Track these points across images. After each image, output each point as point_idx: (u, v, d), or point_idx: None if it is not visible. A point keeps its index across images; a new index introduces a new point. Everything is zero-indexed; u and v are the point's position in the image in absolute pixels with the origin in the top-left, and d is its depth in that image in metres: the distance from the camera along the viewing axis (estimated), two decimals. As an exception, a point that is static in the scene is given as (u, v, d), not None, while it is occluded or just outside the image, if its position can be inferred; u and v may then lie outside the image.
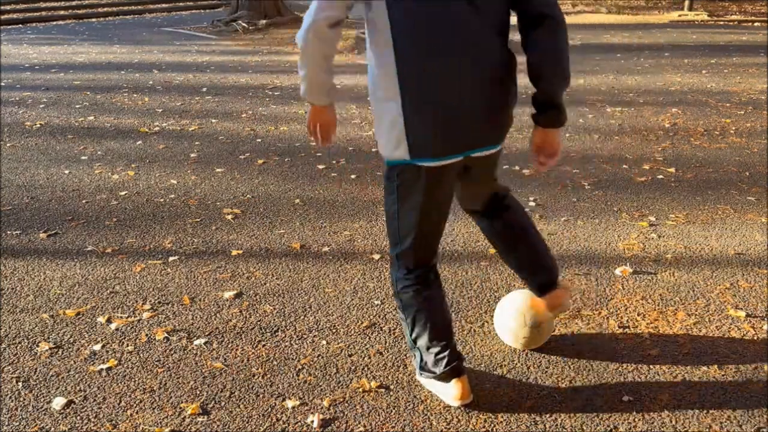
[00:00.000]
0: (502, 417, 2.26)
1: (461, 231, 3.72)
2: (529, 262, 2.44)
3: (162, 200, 4.18)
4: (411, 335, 2.31)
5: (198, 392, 2.40)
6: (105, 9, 15.83)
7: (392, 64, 1.97)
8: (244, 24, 12.38)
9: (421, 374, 2.36)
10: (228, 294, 3.06)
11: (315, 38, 1.95)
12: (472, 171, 2.22)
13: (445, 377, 2.27)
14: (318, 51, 1.97)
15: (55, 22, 14.19)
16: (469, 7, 1.95)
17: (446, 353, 2.25)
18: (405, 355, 2.60)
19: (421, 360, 2.32)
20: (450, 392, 2.27)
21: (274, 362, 2.57)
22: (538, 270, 2.42)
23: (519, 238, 2.44)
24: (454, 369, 2.25)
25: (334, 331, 2.78)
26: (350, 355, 2.61)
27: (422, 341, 2.28)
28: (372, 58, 2.04)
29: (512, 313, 2.54)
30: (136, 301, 3.00)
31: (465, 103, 2.02)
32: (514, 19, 2.10)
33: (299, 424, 2.24)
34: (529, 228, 2.46)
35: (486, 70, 2.07)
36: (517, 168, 4.75)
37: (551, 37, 2.08)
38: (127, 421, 2.25)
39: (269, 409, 2.31)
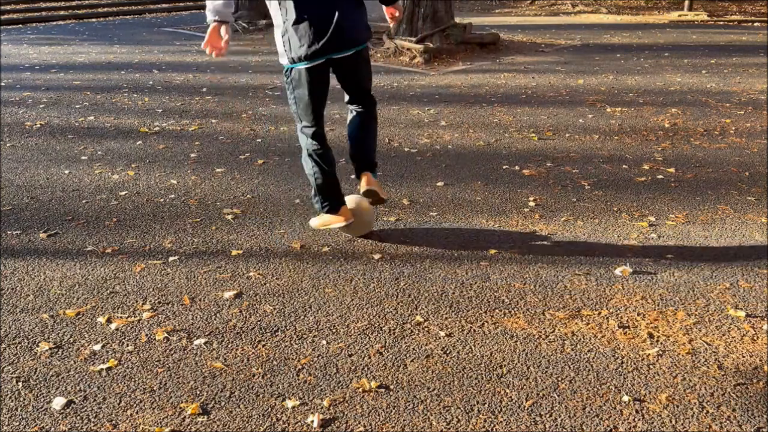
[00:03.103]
0: (502, 417, 2.27)
1: (461, 231, 3.72)
2: (357, 150, 3.49)
3: (162, 200, 4.18)
4: (319, 181, 3.36)
5: (198, 392, 2.40)
6: (105, 9, 15.83)
7: (281, 15, 3.11)
8: (244, 24, 12.38)
9: (321, 211, 3.47)
10: (228, 294, 3.06)
11: None
12: (340, 69, 3.29)
13: (333, 210, 3.42)
14: None
15: (55, 22, 14.19)
16: None
17: (333, 194, 3.40)
18: (405, 355, 2.61)
19: (319, 202, 3.44)
20: (337, 218, 3.43)
21: (274, 362, 2.57)
22: (362, 159, 3.48)
23: (359, 133, 3.48)
24: (337, 204, 3.42)
25: (334, 331, 2.78)
26: (350, 355, 2.61)
27: (322, 186, 3.37)
28: (272, 12, 3.14)
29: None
30: (136, 301, 3.00)
31: (323, 23, 3.06)
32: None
33: (299, 424, 2.24)
34: (370, 131, 3.50)
35: (336, 7, 3.09)
36: (517, 168, 4.75)
37: None
38: (127, 421, 2.25)
39: (269, 409, 2.31)
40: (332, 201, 3.42)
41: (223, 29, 3.03)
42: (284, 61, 3.20)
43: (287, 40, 3.11)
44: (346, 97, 3.47)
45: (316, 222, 3.60)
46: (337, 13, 3.08)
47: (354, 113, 3.50)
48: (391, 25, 3.49)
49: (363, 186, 3.43)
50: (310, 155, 3.36)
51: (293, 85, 3.24)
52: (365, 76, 3.41)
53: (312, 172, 3.38)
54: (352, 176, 4.54)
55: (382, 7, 3.53)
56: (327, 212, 3.45)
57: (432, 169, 4.75)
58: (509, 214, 3.96)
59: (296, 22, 3.06)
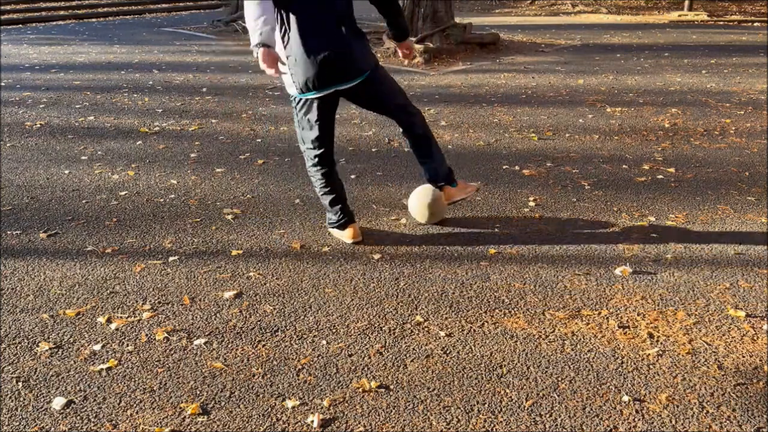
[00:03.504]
0: (502, 417, 2.27)
1: (461, 231, 3.72)
2: (424, 168, 3.61)
3: (162, 200, 4.18)
4: (325, 200, 3.54)
5: (198, 392, 2.40)
6: (105, 9, 15.83)
7: (286, 48, 3.18)
8: (244, 24, 12.37)
9: (330, 227, 3.66)
10: (228, 294, 3.06)
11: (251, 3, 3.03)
12: (356, 98, 3.38)
13: (341, 226, 3.57)
14: (255, 5, 3.00)
15: (55, 22, 14.19)
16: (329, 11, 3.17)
17: (343, 210, 3.55)
18: (405, 355, 2.61)
19: (329, 217, 3.62)
20: (346, 234, 3.57)
21: (274, 362, 2.57)
22: (432, 176, 3.61)
23: (417, 154, 3.59)
24: (348, 220, 3.56)
25: (334, 331, 2.78)
26: (350, 355, 2.61)
27: (328, 203, 3.53)
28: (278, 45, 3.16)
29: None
30: (136, 301, 3.00)
31: (325, 60, 3.14)
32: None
33: (299, 424, 2.24)
34: (424, 146, 3.54)
35: (337, 42, 3.17)
36: (517, 168, 4.75)
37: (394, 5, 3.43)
38: (127, 421, 2.25)
39: (269, 409, 2.31)
40: (341, 219, 3.56)
41: (269, 51, 3.02)
42: (292, 91, 3.31)
43: (296, 70, 3.17)
44: (386, 114, 3.53)
45: (331, 230, 3.71)
46: (340, 45, 3.15)
47: (403, 133, 3.53)
48: (406, 62, 3.62)
49: (448, 197, 3.63)
50: (313, 175, 3.52)
51: (302, 112, 3.35)
52: (389, 95, 3.41)
53: (319, 187, 3.54)
54: (353, 176, 4.55)
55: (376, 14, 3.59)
56: (337, 228, 3.61)
57: (432, 169, 4.75)
58: (509, 214, 3.96)
59: (302, 54, 3.13)
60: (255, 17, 2.96)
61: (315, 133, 3.36)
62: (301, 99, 3.31)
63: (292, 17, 3.12)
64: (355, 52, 3.21)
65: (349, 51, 3.18)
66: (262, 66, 3.02)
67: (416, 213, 3.80)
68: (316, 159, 3.43)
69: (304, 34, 3.12)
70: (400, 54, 3.63)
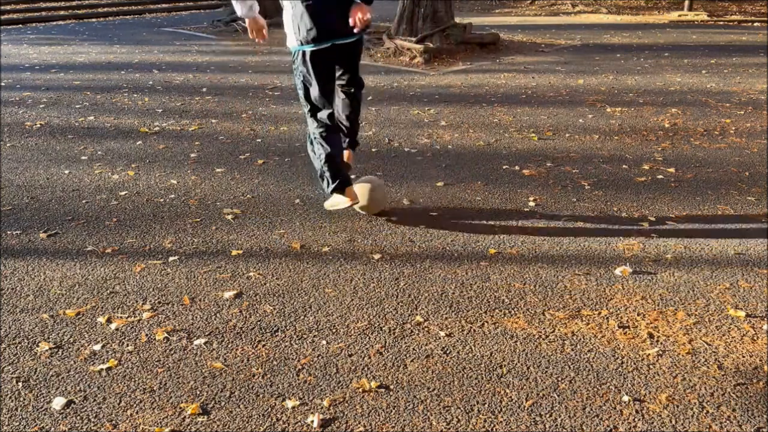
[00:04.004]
0: (502, 417, 2.27)
1: (461, 231, 3.72)
2: (348, 131, 3.86)
3: (162, 200, 4.18)
4: (320, 165, 3.61)
5: (198, 392, 2.40)
6: (105, 9, 15.82)
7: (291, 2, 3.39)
8: (243, 24, 12.37)
9: (329, 194, 3.73)
10: (228, 294, 3.06)
11: None
12: (342, 53, 3.51)
13: (340, 189, 3.64)
14: None
15: (55, 22, 14.19)
16: None
17: (341, 174, 3.63)
18: (405, 355, 2.61)
19: (325, 180, 3.66)
20: (344, 198, 3.67)
21: (274, 362, 2.57)
22: (349, 138, 3.89)
23: (351, 115, 3.83)
24: (345, 182, 3.63)
25: (334, 331, 2.78)
26: (350, 355, 2.61)
27: (326, 167, 3.60)
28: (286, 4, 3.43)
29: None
30: (136, 301, 3.00)
31: (330, 12, 3.34)
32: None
33: (299, 424, 2.24)
34: (358, 112, 3.87)
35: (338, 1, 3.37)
36: (517, 168, 4.75)
37: None
38: (127, 421, 2.25)
39: (269, 409, 2.31)
40: (341, 179, 3.64)
41: (258, 20, 3.55)
42: (292, 42, 3.46)
43: (296, 24, 3.37)
44: (340, 81, 3.72)
45: (327, 204, 3.87)
46: (343, 6, 3.36)
47: (344, 96, 3.77)
48: (355, 30, 3.40)
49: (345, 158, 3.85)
50: (316, 138, 3.60)
51: (300, 67, 3.49)
52: (357, 62, 3.71)
53: (319, 155, 3.61)
54: (353, 176, 4.55)
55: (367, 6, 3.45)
56: (336, 191, 3.67)
57: (432, 169, 4.75)
58: (509, 214, 3.96)
59: (305, 9, 3.32)
60: None
61: (315, 89, 3.49)
62: (300, 52, 3.44)
63: None
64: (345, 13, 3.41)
65: (348, 10, 3.36)
66: (251, 35, 3.56)
67: (363, 199, 3.84)
68: (319, 118, 3.56)
69: None
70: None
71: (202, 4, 17.10)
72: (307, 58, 3.42)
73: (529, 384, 2.43)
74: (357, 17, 3.33)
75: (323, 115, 3.55)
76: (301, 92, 3.57)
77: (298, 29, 3.38)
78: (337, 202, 3.76)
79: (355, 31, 3.39)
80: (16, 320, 2.85)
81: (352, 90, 3.76)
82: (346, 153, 3.84)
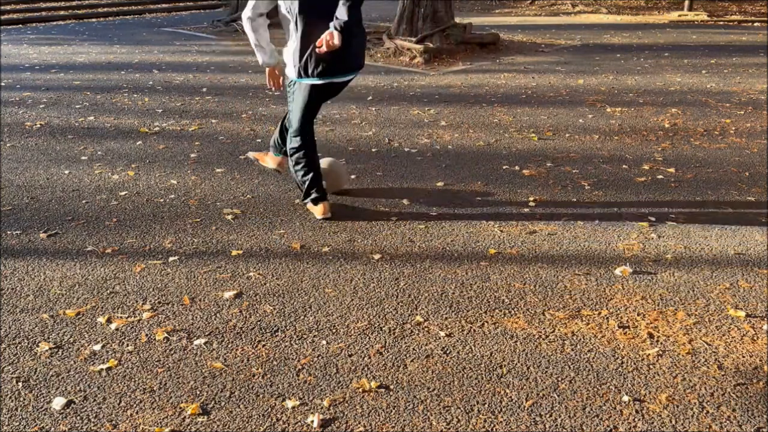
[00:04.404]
0: (502, 417, 2.27)
1: (461, 231, 3.72)
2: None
3: (162, 200, 4.18)
4: (301, 177, 3.85)
5: (198, 392, 2.40)
6: (105, 9, 15.82)
7: (295, 33, 3.57)
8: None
9: (304, 201, 3.95)
10: (228, 294, 3.06)
11: (248, 28, 3.66)
12: (331, 89, 3.71)
13: (315, 201, 3.87)
14: (252, 36, 3.68)
15: (55, 22, 14.18)
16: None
17: (317, 187, 3.86)
18: (405, 355, 2.61)
19: (304, 192, 3.90)
20: (318, 209, 3.87)
21: (274, 362, 2.57)
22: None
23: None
24: (321, 197, 3.87)
25: (334, 331, 2.78)
26: (350, 355, 2.61)
27: (307, 179, 3.83)
28: (287, 28, 3.64)
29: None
30: (136, 301, 3.00)
31: (332, 52, 3.43)
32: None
33: (299, 424, 2.24)
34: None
35: (347, 35, 3.42)
36: (516, 168, 4.75)
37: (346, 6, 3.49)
38: (127, 421, 2.25)
39: (269, 409, 2.31)
40: (319, 194, 3.88)
41: (276, 71, 3.84)
42: (292, 73, 3.67)
43: (300, 56, 3.55)
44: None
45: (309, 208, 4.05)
46: (345, 42, 3.41)
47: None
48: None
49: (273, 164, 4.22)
50: (302, 156, 3.81)
51: (296, 94, 3.72)
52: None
53: (303, 172, 3.84)
54: (353, 176, 4.55)
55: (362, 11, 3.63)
56: (314, 203, 3.91)
57: (432, 169, 4.75)
58: (509, 214, 3.96)
59: (310, 45, 3.49)
60: (252, 43, 3.72)
61: (305, 116, 3.73)
62: (297, 83, 3.67)
63: (303, 15, 3.50)
64: (358, 48, 3.64)
65: (354, 47, 3.56)
66: (267, 83, 3.87)
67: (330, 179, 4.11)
68: (301, 140, 3.78)
69: (311, 29, 3.48)
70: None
71: (202, 4, 17.10)
72: (305, 89, 3.65)
73: (529, 384, 2.43)
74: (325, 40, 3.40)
75: (302, 136, 3.77)
76: (291, 111, 3.79)
77: (299, 61, 3.56)
78: (312, 210, 3.95)
79: (320, 52, 3.42)
80: (16, 320, 2.85)
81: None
82: (281, 158, 4.15)
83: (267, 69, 3.81)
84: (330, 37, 3.37)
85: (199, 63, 9.15)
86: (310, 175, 3.83)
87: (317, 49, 3.45)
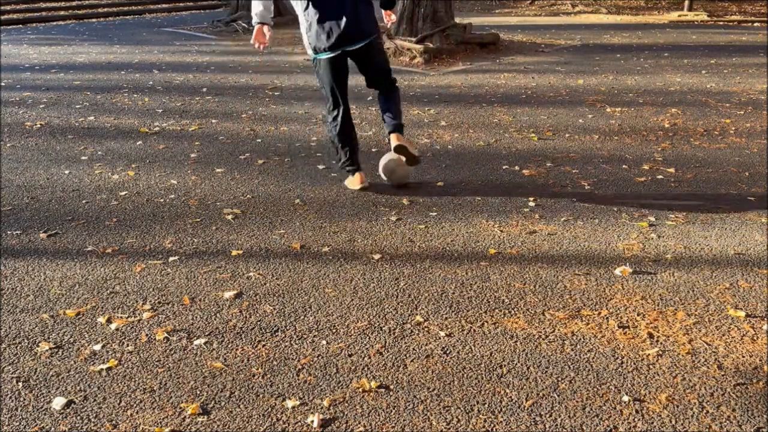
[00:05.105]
0: (502, 417, 2.27)
1: (461, 231, 3.72)
2: (386, 117, 4.25)
3: (162, 200, 4.18)
4: (338, 151, 4.22)
5: (198, 392, 2.40)
6: (105, 9, 15.83)
7: (303, 14, 3.94)
8: (244, 24, 12.38)
9: (341, 170, 4.38)
10: (228, 294, 3.06)
11: None
12: (356, 58, 4.04)
13: (352, 173, 4.29)
14: None
15: (55, 23, 14.19)
16: None
17: (352, 158, 4.23)
18: (405, 355, 2.61)
19: (340, 165, 4.32)
20: (355, 180, 4.28)
21: (274, 362, 2.57)
22: (389, 122, 4.22)
23: (384, 104, 4.26)
24: (356, 168, 4.27)
25: (334, 331, 2.78)
26: (350, 355, 2.61)
27: (342, 152, 4.20)
28: (299, 13, 4.00)
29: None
30: (136, 301, 3.00)
31: (339, 23, 3.85)
32: None
33: (299, 424, 2.24)
34: (392, 99, 4.26)
35: (346, 11, 3.86)
36: (517, 168, 4.75)
37: None
38: (127, 421, 2.25)
39: (269, 409, 2.31)
40: (348, 163, 4.25)
41: (265, 29, 4.02)
42: (310, 52, 4.02)
43: (312, 35, 3.91)
44: (367, 80, 4.24)
45: (346, 183, 4.39)
46: (349, 14, 3.84)
47: (378, 93, 4.29)
48: (389, 26, 4.58)
49: (393, 142, 4.14)
50: (338, 131, 4.15)
51: (318, 71, 4.07)
52: (379, 62, 4.17)
53: (340, 145, 4.19)
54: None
55: (379, 8, 4.22)
56: (349, 172, 4.30)
57: (432, 169, 4.75)
58: (509, 214, 3.96)
59: (318, 22, 3.86)
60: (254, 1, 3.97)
61: (329, 87, 4.06)
62: (316, 59, 4.01)
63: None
64: (364, 18, 3.92)
65: (359, 17, 3.88)
66: (253, 39, 4.03)
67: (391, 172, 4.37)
68: (332, 110, 4.14)
69: (319, 5, 3.83)
70: (385, 19, 4.49)
71: (202, 4, 17.10)
72: (324, 64, 3.98)
73: (529, 384, 2.43)
74: (391, 18, 4.40)
75: (332, 112, 4.15)
76: (321, 89, 4.19)
77: (314, 39, 3.91)
78: (349, 183, 4.33)
79: (389, 26, 4.27)
80: (16, 320, 2.85)
81: (380, 86, 4.23)
82: (393, 137, 4.16)
83: (256, 26, 4.00)
84: (395, 17, 4.01)
85: (199, 63, 9.15)
86: (347, 148, 4.17)
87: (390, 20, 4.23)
